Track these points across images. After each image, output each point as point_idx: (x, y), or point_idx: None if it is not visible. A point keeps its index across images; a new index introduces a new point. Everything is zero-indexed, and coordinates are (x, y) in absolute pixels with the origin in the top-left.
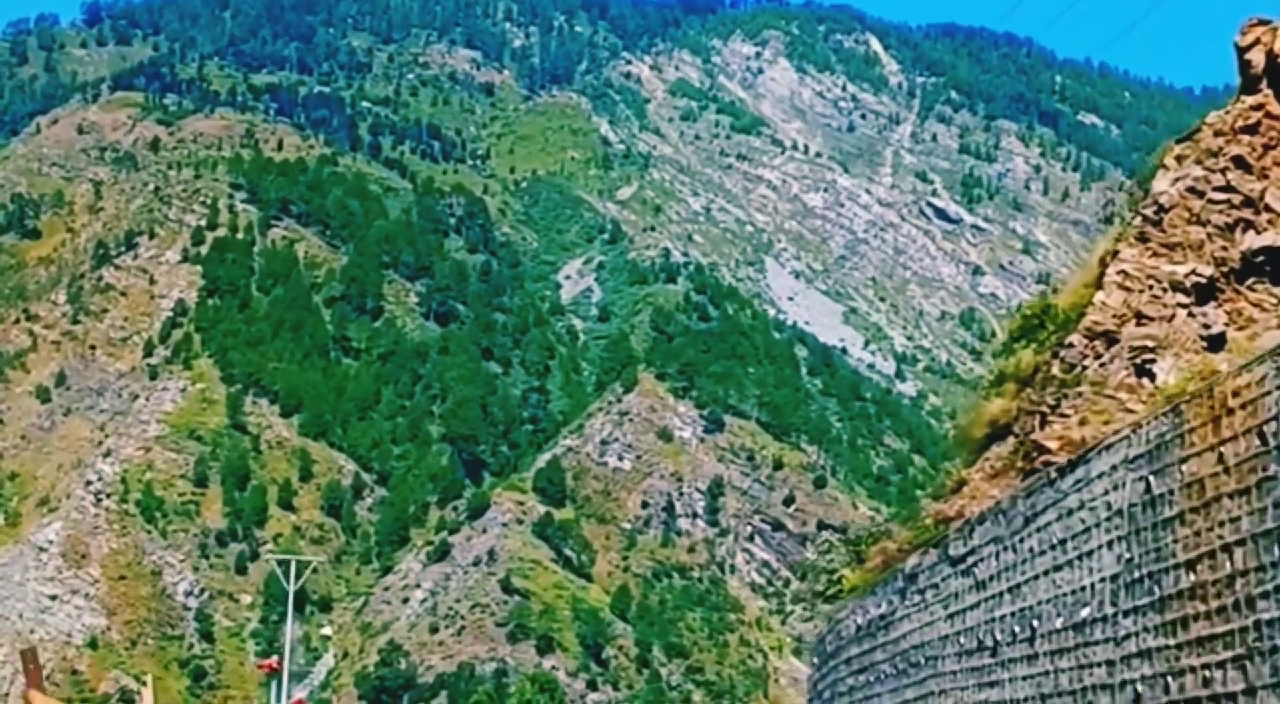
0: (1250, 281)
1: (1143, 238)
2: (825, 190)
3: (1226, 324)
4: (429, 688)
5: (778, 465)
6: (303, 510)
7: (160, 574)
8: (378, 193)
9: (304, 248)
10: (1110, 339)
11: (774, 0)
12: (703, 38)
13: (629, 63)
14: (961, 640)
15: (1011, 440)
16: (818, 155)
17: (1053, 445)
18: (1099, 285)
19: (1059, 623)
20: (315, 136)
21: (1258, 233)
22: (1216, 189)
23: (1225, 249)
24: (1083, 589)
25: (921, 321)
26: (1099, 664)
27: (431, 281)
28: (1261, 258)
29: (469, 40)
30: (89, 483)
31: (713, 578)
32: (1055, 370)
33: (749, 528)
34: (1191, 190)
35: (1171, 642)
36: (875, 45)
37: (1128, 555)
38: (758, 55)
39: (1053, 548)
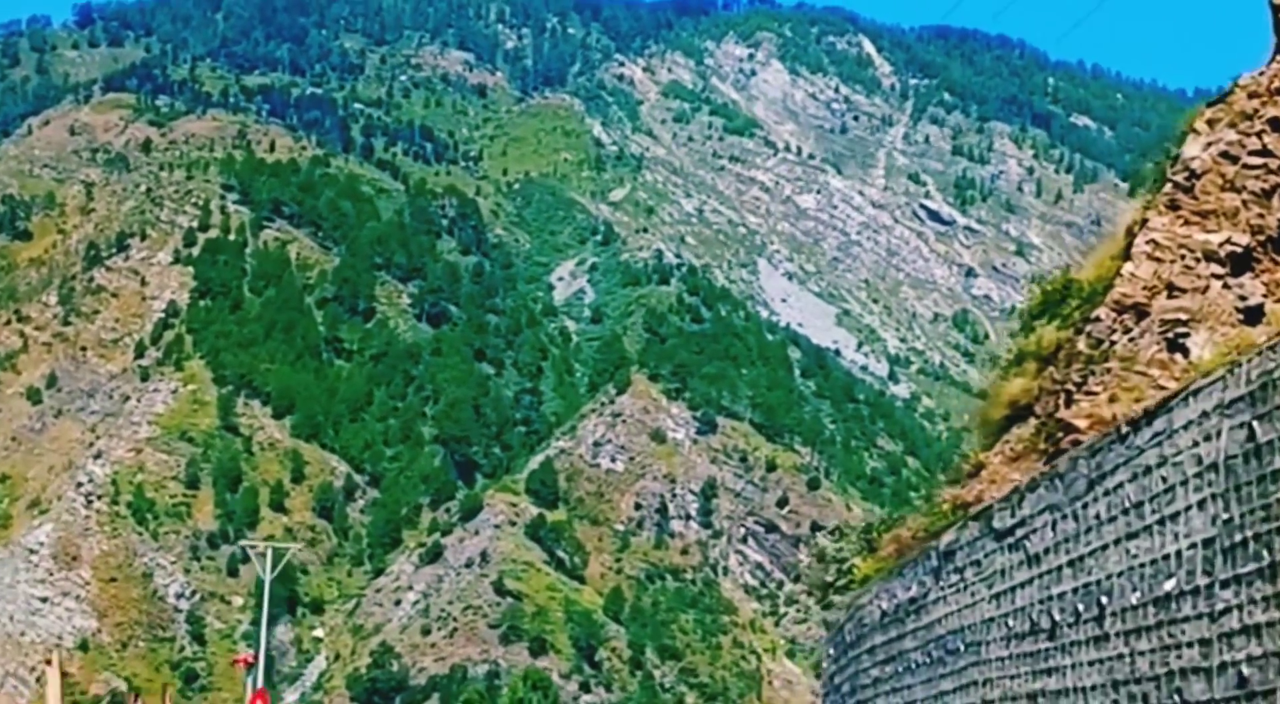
0: None
1: (1173, 205)
2: (818, 192)
3: (1264, 295)
4: (421, 690)
5: (771, 467)
6: (295, 512)
7: (151, 576)
8: (370, 194)
9: (296, 249)
10: (1140, 312)
11: (766, 2)
12: (695, 39)
13: (622, 64)
14: (1010, 623)
15: (1033, 421)
16: (810, 157)
17: (1081, 424)
18: (1126, 256)
19: (1135, 598)
20: (307, 138)
21: None
22: (1252, 153)
23: (1261, 216)
24: (1165, 558)
25: (914, 323)
26: (1189, 644)
27: (424, 283)
28: None
29: (461, 42)
30: (80, 484)
31: (706, 580)
32: (1081, 346)
33: (742, 530)
34: (1225, 155)
35: None
36: (868, 47)
37: (1225, 516)
38: (750, 57)
39: (1125, 513)
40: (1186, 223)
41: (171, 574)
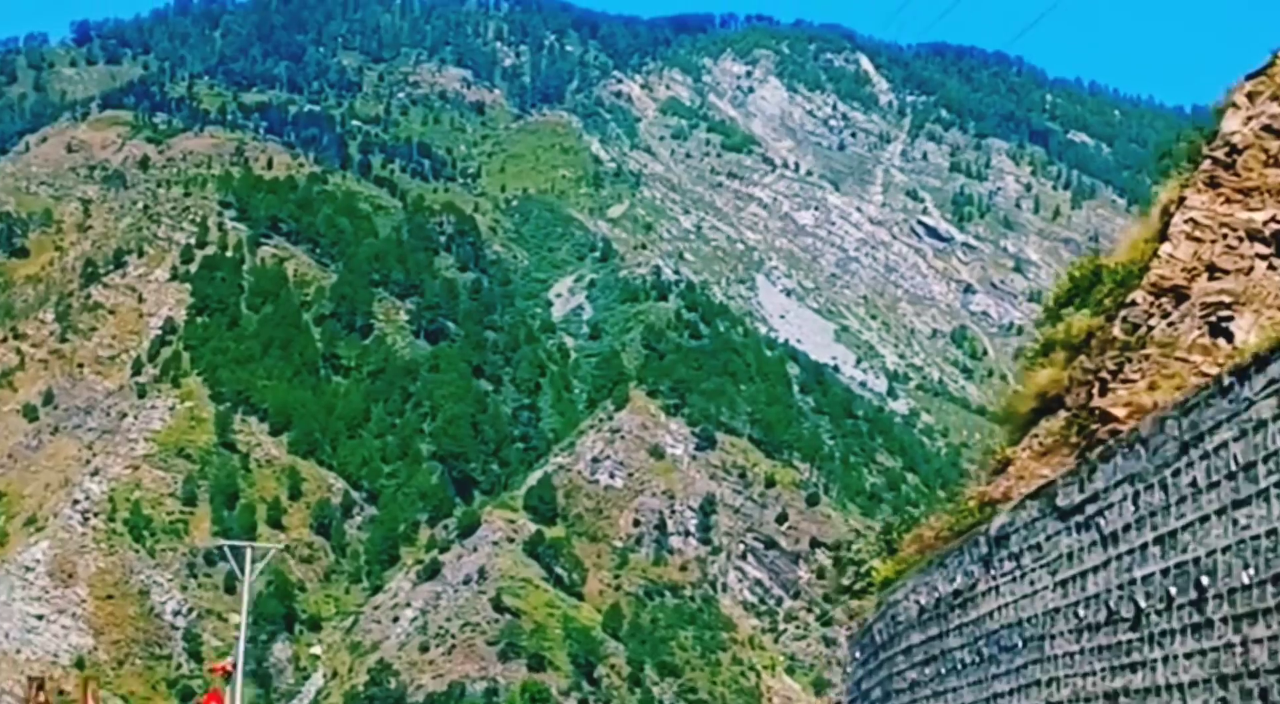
0: None
1: (1213, 183)
2: (816, 208)
3: None
4: None
5: (770, 483)
6: (292, 529)
7: (148, 593)
8: (367, 211)
9: (293, 266)
10: (1179, 295)
11: (764, 19)
12: (693, 57)
13: (620, 82)
14: (1081, 613)
15: (1063, 414)
16: (808, 174)
17: (1119, 412)
18: (1163, 237)
19: (1245, 577)
20: (305, 155)
21: None
22: None
23: None
24: None
25: (913, 339)
26: None
27: (421, 299)
28: None
29: (459, 59)
30: (76, 502)
31: (705, 596)
32: (1116, 332)
33: (741, 546)
34: (1268, 129)
35: None
36: (866, 64)
37: None
38: (748, 74)
39: (1231, 477)
40: (1228, 201)
41: (168, 591)
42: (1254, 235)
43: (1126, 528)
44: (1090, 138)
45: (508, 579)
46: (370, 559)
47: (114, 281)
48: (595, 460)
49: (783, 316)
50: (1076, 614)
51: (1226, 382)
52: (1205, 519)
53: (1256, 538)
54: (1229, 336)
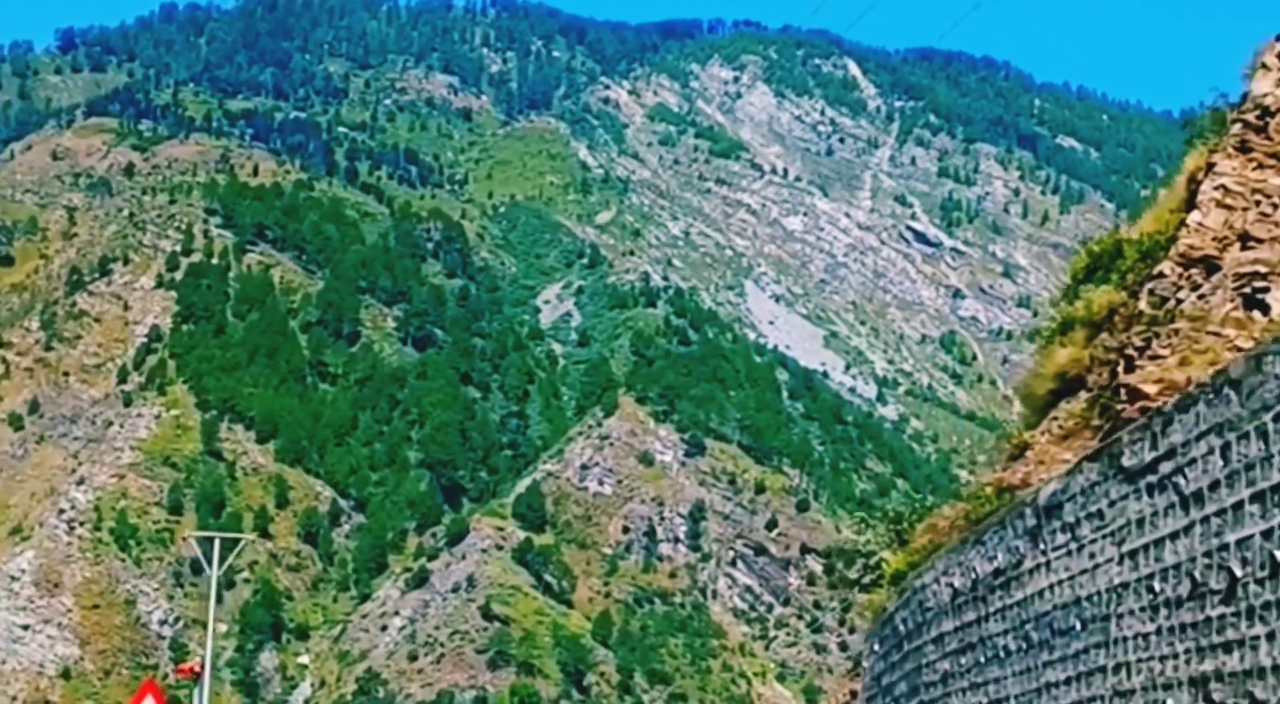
0: None
1: (1244, 147)
2: (804, 214)
3: None
4: None
5: (760, 489)
6: (279, 537)
7: (134, 603)
8: (354, 218)
9: (280, 273)
10: (1210, 266)
11: (752, 25)
12: (681, 62)
13: (607, 87)
14: (1157, 587)
15: (1084, 395)
16: (797, 179)
17: (1150, 389)
18: (1190, 206)
19: None
20: (291, 161)
21: None
22: None
23: None
24: None
25: (902, 345)
26: None
27: (409, 306)
28: None
29: (446, 65)
30: (62, 511)
31: (695, 603)
32: (1143, 306)
33: (731, 552)
34: None
35: None
36: (853, 69)
37: None
38: (736, 80)
39: None
40: (1260, 166)
41: (154, 601)
42: None
43: (1214, 486)
44: (1078, 142)
45: (497, 587)
46: (358, 567)
47: (99, 289)
48: (584, 467)
49: (772, 322)
50: (1151, 589)
51: None
52: None
53: None
54: (1264, 309)
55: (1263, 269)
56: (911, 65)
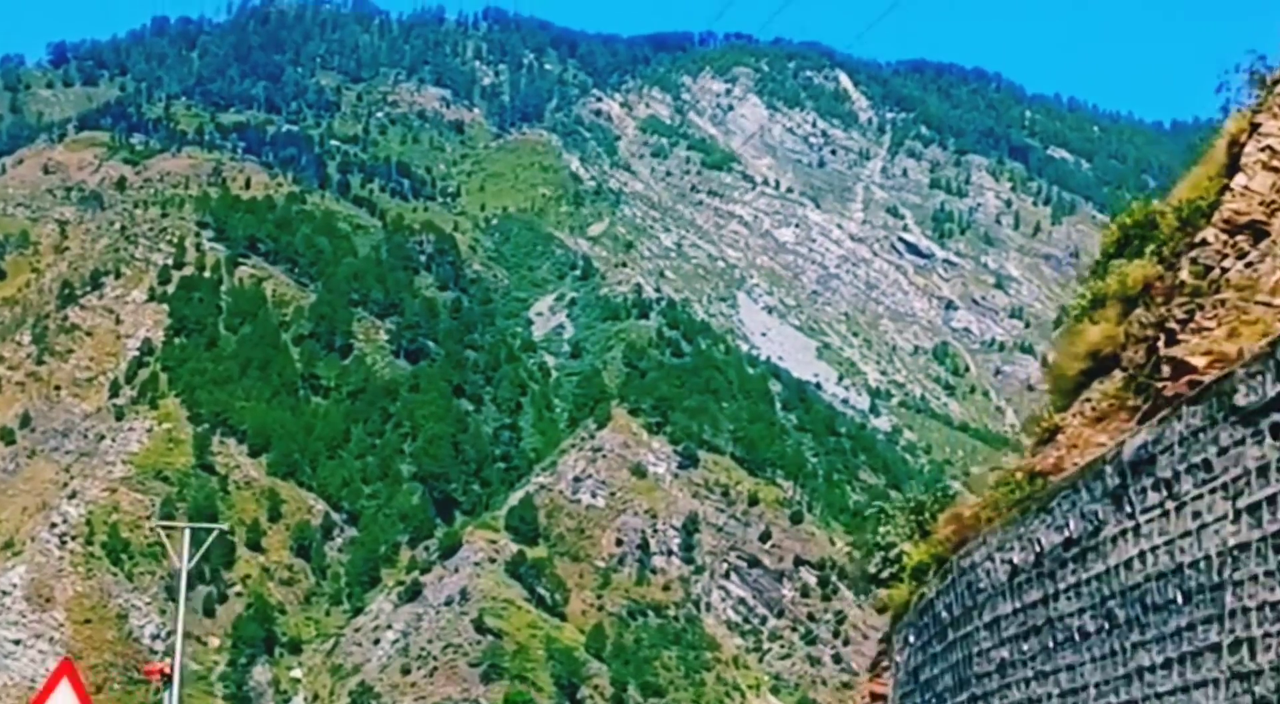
0: None
1: None
2: (797, 226)
3: None
4: None
5: (753, 501)
6: (271, 551)
7: (126, 617)
8: (346, 231)
9: (272, 286)
10: (1258, 232)
11: (744, 37)
12: (673, 74)
13: (599, 100)
14: None
15: (1119, 375)
16: (789, 191)
17: (1198, 362)
18: (1232, 171)
19: None
20: (283, 175)
21: None
22: None
23: None
24: None
25: (895, 356)
26: None
27: (401, 319)
28: None
29: (438, 78)
30: (54, 525)
31: (688, 616)
32: (1184, 276)
33: (725, 565)
34: None
35: None
36: (845, 81)
37: None
38: (728, 92)
39: None
40: None
41: (147, 615)
42: None
43: None
44: (1070, 154)
45: (489, 600)
46: (351, 581)
47: (91, 303)
48: (577, 480)
49: (764, 334)
50: (1279, 548)
51: None
52: None
53: None
54: None
55: None
56: (903, 77)
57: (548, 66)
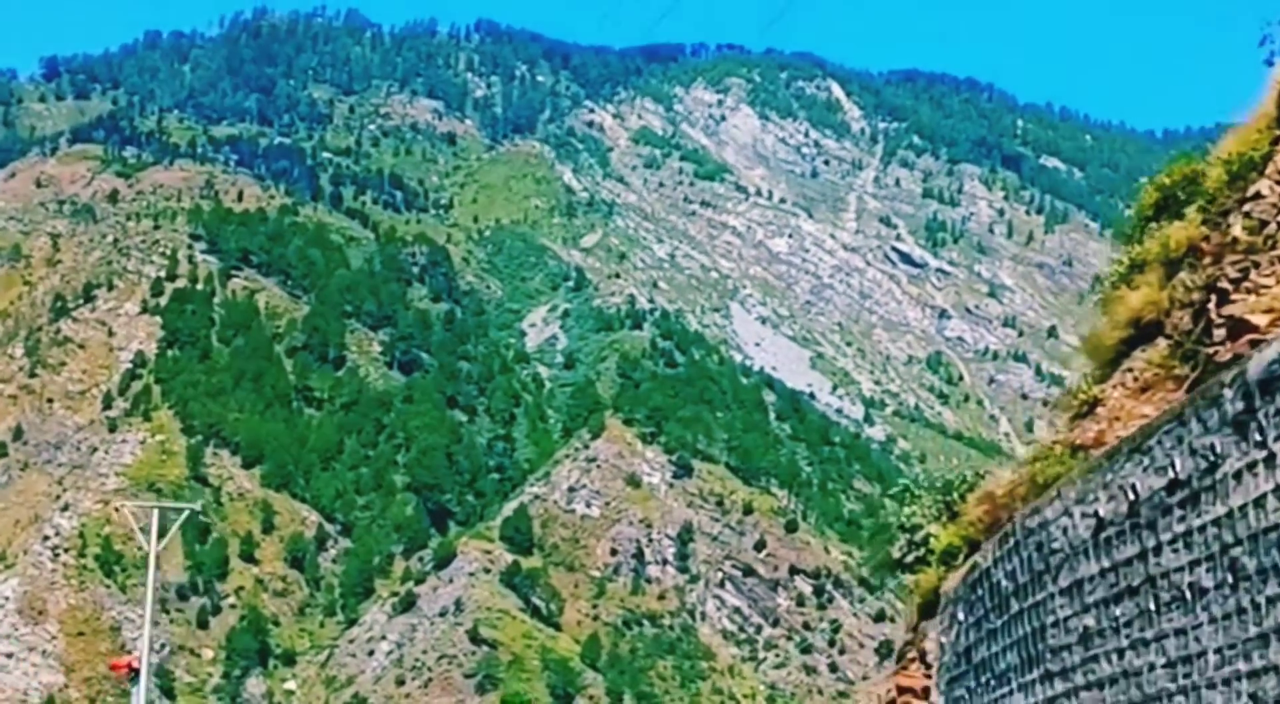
0: None
1: None
2: (790, 236)
3: None
4: None
5: (748, 510)
6: (265, 562)
7: (119, 630)
8: (339, 243)
9: (265, 298)
10: None
11: (735, 48)
12: (665, 85)
13: (591, 111)
14: None
15: (1163, 343)
16: (781, 201)
17: (1259, 320)
18: None
19: None
20: (276, 187)
21: None
22: None
23: None
24: None
25: (888, 366)
26: None
27: (395, 331)
28: None
29: (430, 90)
30: (46, 538)
31: (684, 625)
32: (1237, 231)
33: (720, 574)
34: None
35: None
36: (837, 91)
37: None
38: (720, 102)
39: None
40: None
41: (139, 628)
42: None
43: None
44: (1062, 163)
45: (484, 610)
46: (345, 592)
47: (84, 316)
48: (571, 490)
49: (758, 344)
50: None
51: None
52: None
53: None
54: None
55: None
56: (895, 87)
57: (540, 78)
